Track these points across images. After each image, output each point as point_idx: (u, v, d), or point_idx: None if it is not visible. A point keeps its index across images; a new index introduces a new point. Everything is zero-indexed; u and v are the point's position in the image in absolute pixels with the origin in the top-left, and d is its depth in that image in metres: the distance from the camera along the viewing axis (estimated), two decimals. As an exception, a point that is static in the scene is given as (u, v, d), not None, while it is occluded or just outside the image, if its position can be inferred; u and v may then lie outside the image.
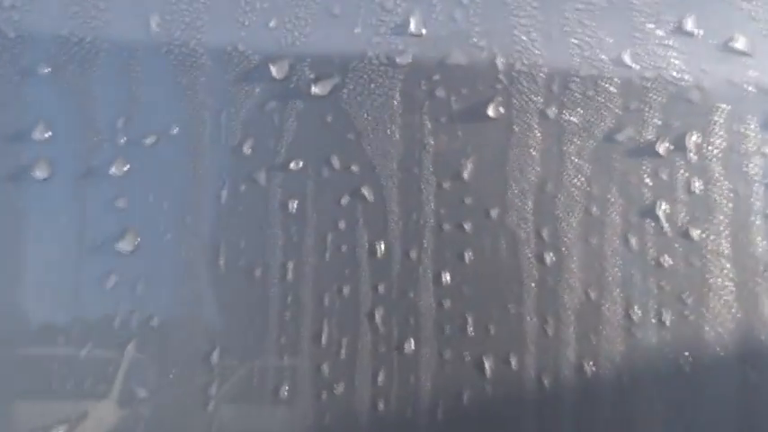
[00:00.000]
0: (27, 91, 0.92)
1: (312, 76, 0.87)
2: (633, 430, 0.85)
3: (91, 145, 0.91)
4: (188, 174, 0.89)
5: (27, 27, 0.92)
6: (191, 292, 0.88)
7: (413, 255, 0.86)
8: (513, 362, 0.85)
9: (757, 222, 0.87)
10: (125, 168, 0.90)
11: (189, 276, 0.88)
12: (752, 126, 0.87)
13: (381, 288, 0.86)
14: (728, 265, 0.86)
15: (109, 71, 0.91)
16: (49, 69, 0.91)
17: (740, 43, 0.87)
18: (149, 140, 0.89)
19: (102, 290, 0.89)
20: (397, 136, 0.87)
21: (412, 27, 0.88)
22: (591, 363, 0.85)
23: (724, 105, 0.87)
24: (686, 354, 0.85)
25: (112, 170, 0.90)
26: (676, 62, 0.87)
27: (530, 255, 0.86)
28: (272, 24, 0.89)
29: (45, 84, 0.92)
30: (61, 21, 0.92)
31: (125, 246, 0.90)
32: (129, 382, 0.88)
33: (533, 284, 0.85)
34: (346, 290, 0.87)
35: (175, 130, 0.89)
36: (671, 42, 0.87)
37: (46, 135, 0.91)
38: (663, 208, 0.86)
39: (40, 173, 0.91)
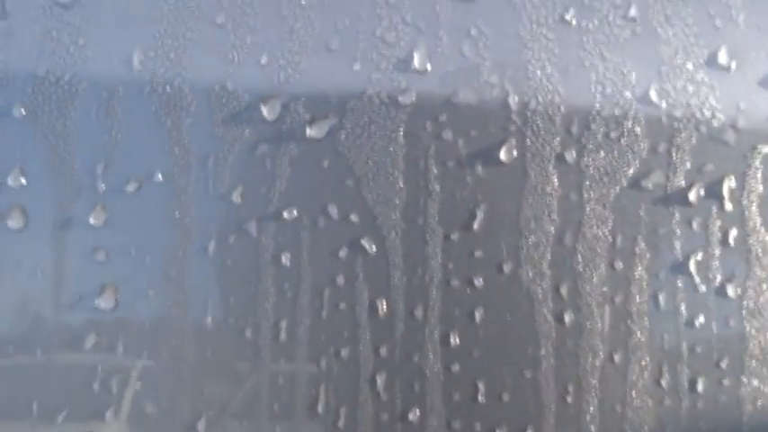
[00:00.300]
0: (1, 135, 0.86)
1: (307, 116, 0.81)
2: None
3: (68, 192, 0.85)
4: (173, 224, 0.83)
5: (1, 65, 0.87)
6: (175, 354, 0.82)
7: (418, 314, 0.79)
8: (530, 434, 0.78)
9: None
10: (104, 218, 0.84)
11: (173, 336, 0.82)
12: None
13: (383, 350, 0.79)
14: (771, 326, 0.79)
15: (88, 113, 0.85)
16: (24, 111, 0.86)
17: (781, 79, 0.80)
18: (131, 188, 0.84)
19: (81, 350, 0.83)
20: (401, 182, 0.80)
21: (416, 62, 0.81)
22: (617, 435, 0.78)
23: (764, 147, 0.80)
24: (723, 426, 0.77)
25: (91, 220, 0.84)
26: (709, 99, 0.79)
27: (547, 314, 0.79)
28: (263, 61, 0.83)
29: (20, 127, 0.86)
30: (37, 59, 0.86)
31: (104, 302, 0.84)
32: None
33: (552, 347, 0.78)
34: (345, 352, 0.80)
35: (159, 177, 0.83)
36: (703, 77, 0.80)
37: (21, 182, 0.86)
38: (696, 262, 0.79)
39: (13, 222, 0.85)
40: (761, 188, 0.79)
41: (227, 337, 0.81)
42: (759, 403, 0.78)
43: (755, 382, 0.78)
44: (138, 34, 0.85)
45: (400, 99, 0.80)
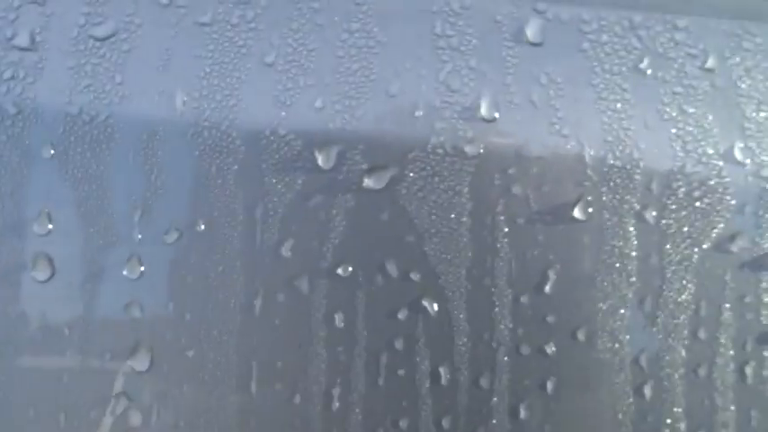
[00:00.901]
0: (27, 176, 0.83)
1: (365, 166, 0.78)
2: None
3: (100, 241, 0.81)
4: (215, 278, 0.79)
5: (30, 102, 0.83)
6: (218, 421, 0.78)
7: (484, 383, 0.76)
8: None
9: None
10: (140, 270, 0.80)
11: (215, 402, 0.78)
12: None
13: (446, 423, 0.76)
14: None
15: (125, 156, 0.82)
16: (54, 152, 0.82)
17: None
18: (170, 238, 0.80)
19: (112, 415, 0.79)
20: (466, 239, 0.77)
21: (483, 111, 0.79)
22: None
23: None
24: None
25: (125, 272, 0.80)
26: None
27: (626, 386, 0.76)
28: (318, 104, 0.80)
29: (49, 168, 0.83)
30: (70, 95, 0.83)
31: (138, 364, 0.80)
32: None
33: (630, 422, 0.75)
34: (404, 423, 0.76)
35: (201, 227, 0.79)
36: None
37: (47, 228, 0.82)
38: None
39: (39, 273, 0.81)
40: None
41: (273, 404, 0.78)
42: None
43: None
44: (181, 72, 0.82)
45: (466, 149, 0.78)
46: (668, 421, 0.75)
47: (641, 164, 0.77)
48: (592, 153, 0.77)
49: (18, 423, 0.81)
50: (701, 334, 0.76)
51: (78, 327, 0.81)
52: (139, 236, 0.81)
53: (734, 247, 0.77)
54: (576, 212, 0.77)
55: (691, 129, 0.78)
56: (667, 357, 0.76)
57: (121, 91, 0.83)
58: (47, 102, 0.84)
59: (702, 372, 0.76)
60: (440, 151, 0.78)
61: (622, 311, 0.76)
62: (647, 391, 0.76)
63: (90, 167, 0.82)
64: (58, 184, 0.83)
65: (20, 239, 0.82)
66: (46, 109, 0.84)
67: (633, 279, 0.76)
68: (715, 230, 0.77)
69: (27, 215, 0.82)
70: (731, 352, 0.76)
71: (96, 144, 0.82)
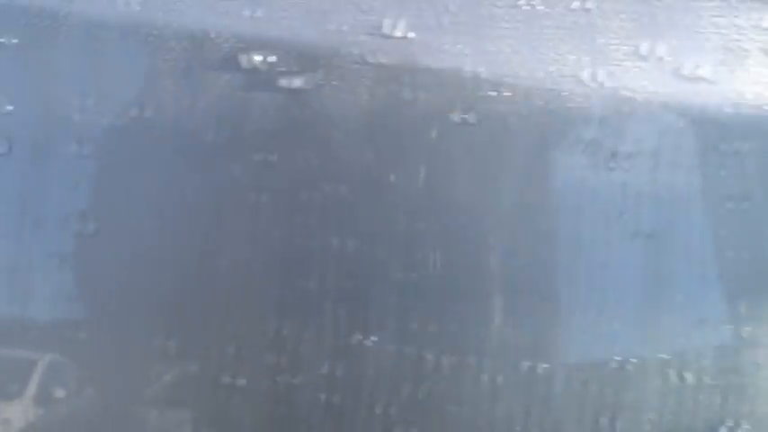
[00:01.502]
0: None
1: (283, 69, 0.95)
2: None
3: (55, 121, 0.97)
4: (155, 153, 0.96)
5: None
6: (142, 282, 0.96)
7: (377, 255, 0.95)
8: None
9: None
10: (90, 148, 0.96)
11: (140, 266, 0.96)
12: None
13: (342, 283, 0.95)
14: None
15: (78, 49, 0.98)
16: (8, 40, 0.97)
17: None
18: (113, 122, 0.96)
19: (56, 275, 0.96)
20: (365, 136, 0.96)
21: (386, 28, 0.96)
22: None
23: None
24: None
25: (75, 147, 0.96)
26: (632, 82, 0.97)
27: (491, 262, 0.95)
28: (246, 13, 0.96)
29: (7, 57, 0.98)
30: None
31: (85, 228, 0.97)
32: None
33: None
34: (304, 284, 0.95)
35: (144, 114, 0.96)
36: (630, 64, 0.97)
37: (6, 109, 0.98)
38: None
39: (-1, 148, 0.97)
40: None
41: (193, 268, 0.96)
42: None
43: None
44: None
45: (370, 60, 0.96)
46: (522, 285, 0.96)
47: (517, 80, 0.95)
48: (474, 68, 0.95)
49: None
50: (540, 220, 0.97)
51: (30, 197, 0.97)
52: (86, 119, 0.97)
53: (584, 146, 0.96)
54: (455, 117, 0.95)
55: (555, 55, 0.97)
56: (519, 237, 0.96)
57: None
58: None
59: (544, 253, 0.97)
60: (348, 60, 0.96)
61: (487, 200, 0.96)
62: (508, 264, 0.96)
63: (47, 57, 0.98)
64: (16, 72, 0.99)
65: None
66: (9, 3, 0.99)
67: (503, 176, 0.96)
68: (565, 138, 0.97)
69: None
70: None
71: (53, 36, 0.98)
